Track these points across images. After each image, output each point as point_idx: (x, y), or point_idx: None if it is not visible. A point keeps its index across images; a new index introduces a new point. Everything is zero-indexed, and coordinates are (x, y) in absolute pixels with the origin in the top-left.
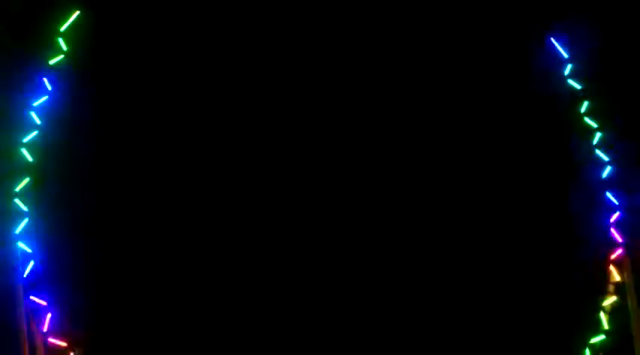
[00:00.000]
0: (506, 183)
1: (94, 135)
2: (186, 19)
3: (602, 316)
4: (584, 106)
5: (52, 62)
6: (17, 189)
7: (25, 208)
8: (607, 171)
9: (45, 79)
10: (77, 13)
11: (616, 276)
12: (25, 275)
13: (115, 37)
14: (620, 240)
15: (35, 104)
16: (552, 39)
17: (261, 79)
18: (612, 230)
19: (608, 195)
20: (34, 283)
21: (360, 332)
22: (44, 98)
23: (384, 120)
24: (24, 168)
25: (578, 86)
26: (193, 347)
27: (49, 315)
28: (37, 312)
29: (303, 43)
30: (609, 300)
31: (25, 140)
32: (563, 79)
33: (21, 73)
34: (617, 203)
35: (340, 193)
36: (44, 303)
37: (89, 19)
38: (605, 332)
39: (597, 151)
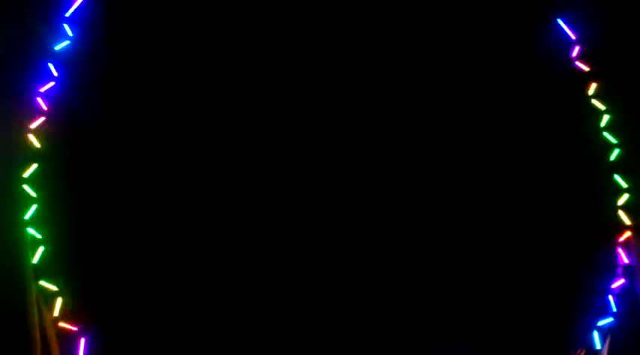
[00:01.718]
0: (511, 164)
1: (101, 120)
2: (191, 10)
3: (611, 299)
4: (592, 88)
5: (57, 48)
6: (25, 175)
7: (33, 194)
8: (615, 154)
9: (51, 65)
10: None
11: (624, 259)
12: (34, 261)
13: (120, 23)
14: (628, 222)
15: (41, 90)
16: (560, 20)
17: (260, 77)
18: (620, 212)
19: (616, 177)
20: (44, 269)
21: (359, 330)
22: (50, 84)
23: (383, 105)
24: (31, 155)
25: (585, 68)
26: (200, 328)
27: (58, 300)
28: (48, 298)
29: (302, 42)
30: (618, 283)
31: (32, 126)
32: (571, 61)
33: (26, 59)
34: (625, 185)
35: (341, 191)
36: (54, 289)
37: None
38: (614, 315)
39: (605, 133)
